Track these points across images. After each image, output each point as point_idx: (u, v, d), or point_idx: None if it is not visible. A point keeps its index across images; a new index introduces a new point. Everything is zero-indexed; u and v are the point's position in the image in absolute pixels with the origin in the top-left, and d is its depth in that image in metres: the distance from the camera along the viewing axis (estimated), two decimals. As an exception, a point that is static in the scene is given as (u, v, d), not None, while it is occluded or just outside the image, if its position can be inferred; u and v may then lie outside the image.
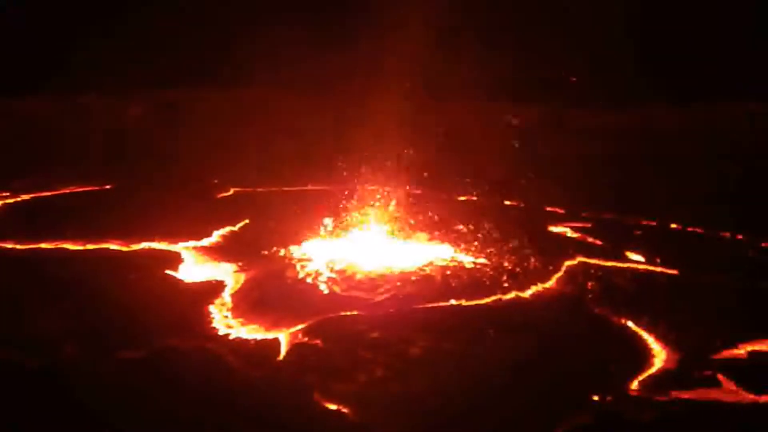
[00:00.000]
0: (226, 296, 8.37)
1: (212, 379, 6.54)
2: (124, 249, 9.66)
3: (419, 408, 6.23)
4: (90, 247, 9.63)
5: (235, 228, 10.87)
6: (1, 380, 6.32)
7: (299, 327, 7.57)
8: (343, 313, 7.96)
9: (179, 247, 9.87)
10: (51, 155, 13.89)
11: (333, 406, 6.21)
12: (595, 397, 6.43)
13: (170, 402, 6.11)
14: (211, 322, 7.73)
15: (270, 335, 7.44)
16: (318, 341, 7.31)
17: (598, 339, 7.67)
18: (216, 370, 6.71)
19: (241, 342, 7.35)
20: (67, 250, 9.56)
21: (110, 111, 15.84)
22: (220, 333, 7.52)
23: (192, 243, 10.03)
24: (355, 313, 8.00)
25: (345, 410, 6.17)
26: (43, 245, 9.62)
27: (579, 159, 14.02)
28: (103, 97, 15.94)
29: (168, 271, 8.96)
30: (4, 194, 12.11)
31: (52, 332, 7.13)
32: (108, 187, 13.00)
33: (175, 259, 9.43)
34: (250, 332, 7.53)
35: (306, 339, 7.36)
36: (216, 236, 10.45)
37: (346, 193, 11.12)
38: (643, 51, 15.30)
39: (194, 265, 9.32)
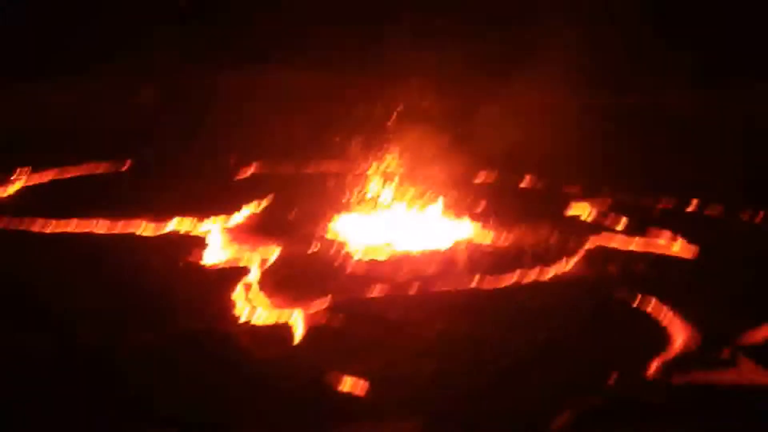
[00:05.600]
0: (251, 277, 8.30)
1: (224, 359, 6.52)
2: (153, 231, 9.58)
3: (432, 390, 6.15)
4: (118, 230, 9.57)
5: (260, 208, 10.75)
6: (17, 362, 6.29)
7: (318, 308, 7.51)
8: (363, 294, 7.88)
9: (206, 227, 9.78)
10: (62, 137, 13.69)
11: (345, 387, 6.13)
12: (611, 380, 6.27)
13: (176, 385, 6.09)
14: (233, 305, 7.66)
15: (288, 316, 7.37)
16: (336, 322, 7.24)
17: (617, 322, 7.52)
18: (233, 351, 6.69)
19: (258, 324, 7.29)
20: (96, 233, 9.50)
21: (121, 93, 15.63)
22: (240, 315, 7.46)
23: (218, 223, 9.94)
24: (375, 293, 7.91)
25: (357, 392, 6.09)
26: (70, 229, 9.55)
27: (595, 138, 13.68)
28: (114, 78, 15.70)
29: (193, 254, 8.88)
30: (21, 177, 11.98)
31: (71, 315, 7.12)
32: (124, 168, 12.77)
33: (202, 241, 9.35)
34: (269, 314, 7.46)
35: (324, 320, 7.28)
36: (241, 216, 10.33)
37: (366, 173, 10.95)
38: (659, 31, 14.87)
39: (220, 245, 9.24)
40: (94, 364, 6.33)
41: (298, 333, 7.08)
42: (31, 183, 11.78)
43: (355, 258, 8.89)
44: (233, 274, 8.38)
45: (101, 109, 15.25)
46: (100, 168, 12.65)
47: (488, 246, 9.45)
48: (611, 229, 10.29)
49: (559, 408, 5.84)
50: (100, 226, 9.59)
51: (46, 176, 11.98)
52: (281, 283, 8.19)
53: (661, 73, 15.28)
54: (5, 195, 11.14)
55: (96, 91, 15.79)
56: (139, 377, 6.17)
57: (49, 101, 15.24)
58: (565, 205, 11.52)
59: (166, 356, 6.53)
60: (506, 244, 9.51)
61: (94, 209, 9.99)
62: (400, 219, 10.25)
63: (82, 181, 12.11)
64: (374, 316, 7.40)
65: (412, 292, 8.04)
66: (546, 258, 8.98)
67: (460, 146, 11.01)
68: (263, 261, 8.77)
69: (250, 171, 13.20)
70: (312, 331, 7.09)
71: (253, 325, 7.25)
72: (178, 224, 9.78)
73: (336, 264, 8.73)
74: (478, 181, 12.47)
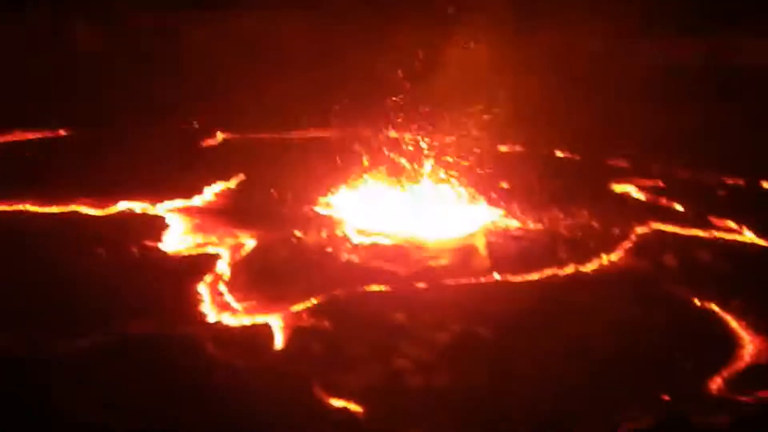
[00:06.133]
0: (219, 269, 8.31)
1: (189, 370, 6.48)
2: (97, 212, 9.59)
3: (444, 406, 6.16)
4: (55, 209, 9.56)
5: (230, 184, 10.78)
6: None
7: (304, 306, 7.53)
8: (360, 289, 7.91)
9: (163, 208, 9.79)
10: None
11: (337, 403, 6.13)
12: (666, 397, 6.30)
13: (132, 399, 6.05)
14: (198, 303, 7.66)
15: (267, 317, 7.38)
16: (326, 323, 7.25)
17: (673, 326, 7.51)
18: (195, 360, 6.66)
19: (230, 325, 7.30)
20: (28, 212, 9.50)
21: (58, 36, 15.48)
22: (207, 315, 7.47)
23: (178, 203, 9.97)
24: (375, 288, 7.94)
25: (352, 408, 6.09)
26: (-1, 207, 9.54)
27: (644, 99, 13.66)
28: (50, 21, 15.53)
29: (149, 241, 8.90)
30: None
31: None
32: (62, 132, 12.75)
33: (158, 224, 9.36)
34: (244, 313, 7.48)
35: (311, 321, 7.30)
36: (207, 195, 10.37)
37: (361, 140, 10.94)
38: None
39: (181, 231, 9.27)
40: (10, 377, 6.22)
41: (279, 338, 7.07)
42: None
43: (351, 245, 8.90)
44: (198, 265, 8.37)
45: (32, 59, 15.21)
46: (30, 134, 12.70)
47: (515, 231, 9.46)
48: (666, 213, 10.31)
49: (600, 430, 5.85)
50: (29, 206, 9.55)
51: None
52: (258, 275, 8.19)
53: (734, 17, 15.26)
54: None
55: (26, 36, 15.72)
56: (69, 396, 6.04)
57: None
58: (610, 182, 11.56)
59: (107, 367, 6.47)
60: (537, 229, 9.53)
61: (23, 184, 9.98)
62: (408, 197, 10.25)
63: (8, 150, 12.01)
64: (373, 318, 7.38)
65: (421, 287, 8.05)
66: (586, 247, 8.99)
67: (482, 108, 10.98)
68: (235, 249, 8.77)
69: (218, 138, 13.28)
70: (296, 336, 7.07)
71: (223, 329, 7.23)
72: (129, 203, 9.76)
73: (326, 253, 8.74)
74: (503, 151, 12.53)
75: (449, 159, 10.60)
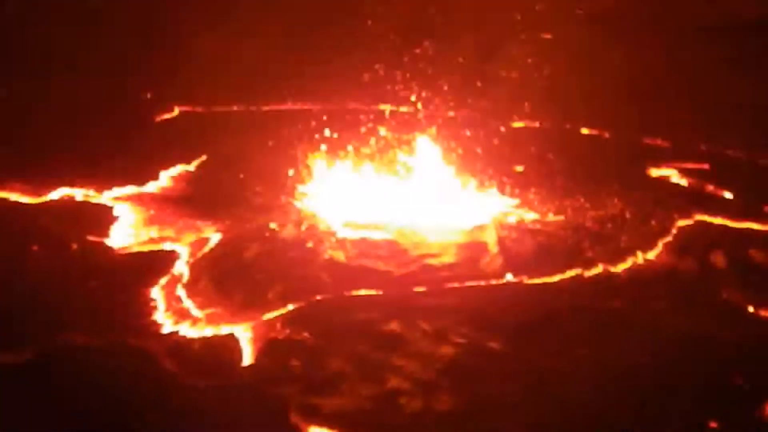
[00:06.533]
0: (177, 270, 8.33)
1: (140, 391, 6.48)
2: (31, 200, 9.60)
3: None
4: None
5: (189, 167, 10.84)
6: None
7: (278, 313, 7.57)
8: (346, 293, 7.95)
9: (109, 196, 9.81)
10: None
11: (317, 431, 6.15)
12: (713, 424, 6.32)
13: (70, 426, 6.04)
14: (151, 310, 7.66)
15: (233, 327, 7.40)
16: (305, 334, 7.28)
17: (723, 338, 7.50)
18: (147, 379, 6.66)
19: (190, 337, 7.30)
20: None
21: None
22: (162, 324, 7.47)
23: (128, 190, 9.99)
24: (364, 293, 7.99)
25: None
26: None
27: (693, 64, 13.70)
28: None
29: (93, 235, 8.91)
30: None
31: None
32: None
33: (104, 215, 9.37)
34: (206, 323, 7.48)
35: (287, 331, 7.33)
36: (162, 180, 10.39)
37: (349, 115, 10.96)
38: None
39: (132, 223, 9.28)
40: None
41: (248, 353, 7.08)
42: None
43: (335, 240, 8.90)
44: (152, 264, 8.40)
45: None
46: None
47: (532, 224, 9.48)
48: (714, 202, 10.34)
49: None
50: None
51: None
52: (223, 277, 8.19)
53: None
54: None
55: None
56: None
57: None
58: (647, 165, 11.58)
59: (38, 386, 6.47)
60: (559, 221, 9.54)
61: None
62: (404, 183, 10.25)
63: None
64: (362, 328, 7.40)
65: (418, 291, 8.07)
66: (618, 243, 8.99)
67: (492, 74, 11.00)
68: (197, 245, 8.80)
69: (175, 111, 13.25)
70: (269, 350, 7.09)
71: (181, 341, 7.24)
72: (69, 190, 9.78)
73: (306, 249, 8.73)
74: (517, 126, 12.49)
75: (453, 137, 10.63)
